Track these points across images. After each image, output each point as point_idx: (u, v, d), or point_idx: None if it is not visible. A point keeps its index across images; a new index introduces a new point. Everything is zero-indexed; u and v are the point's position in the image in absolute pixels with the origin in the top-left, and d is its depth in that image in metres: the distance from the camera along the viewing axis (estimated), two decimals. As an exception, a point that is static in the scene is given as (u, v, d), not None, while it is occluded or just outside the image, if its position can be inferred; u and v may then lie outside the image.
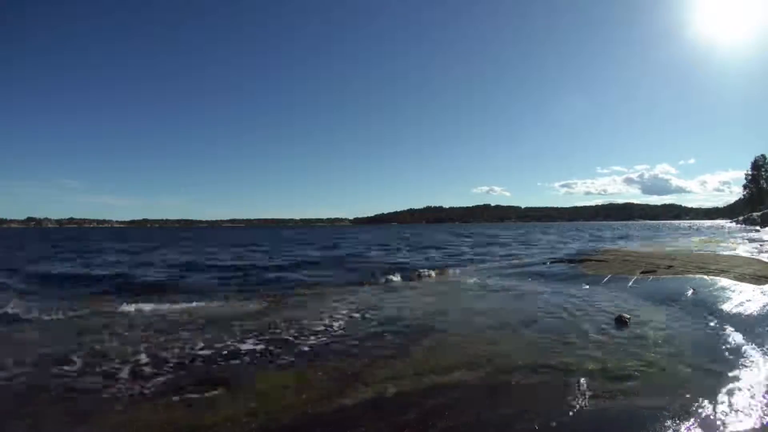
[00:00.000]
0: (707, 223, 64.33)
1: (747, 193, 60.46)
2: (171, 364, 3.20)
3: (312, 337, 3.88)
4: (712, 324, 3.93)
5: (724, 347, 3.29)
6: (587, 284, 6.38)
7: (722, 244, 13.21)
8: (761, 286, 5.18)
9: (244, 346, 3.62)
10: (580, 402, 2.42)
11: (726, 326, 3.81)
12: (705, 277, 5.93)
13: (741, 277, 5.72)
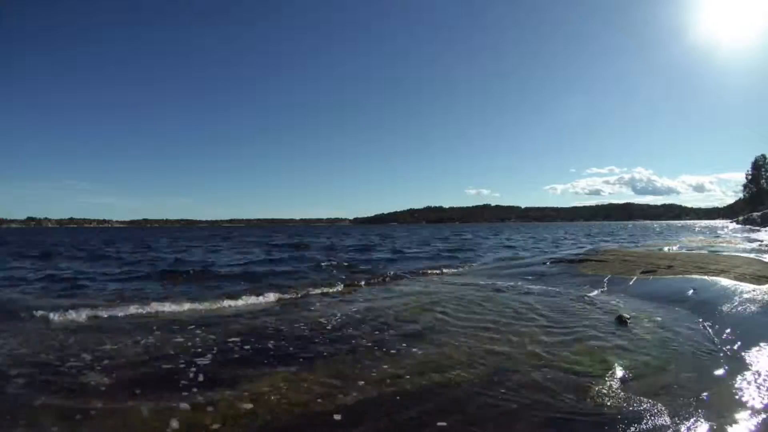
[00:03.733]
0: (708, 223, 64.34)
1: (747, 193, 60.51)
2: (170, 363, 3.20)
3: (313, 336, 3.89)
4: (712, 324, 3.93)
5: (724, 348, 3.29)
6: (587, 284, 6.38)
7: (722, 244, 13.21)
8: (761, 287, 5.18)
9: (245, 345, 3.63)
10: (579, 402, 2.42)
11: (726, 327, 3.81)
12: (705, 277, 5.93)
13: (741, 277, 5.72)
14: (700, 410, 2.28)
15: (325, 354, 3.40)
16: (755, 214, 40.31)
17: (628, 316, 4.14)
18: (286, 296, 6.20)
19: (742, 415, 2.23)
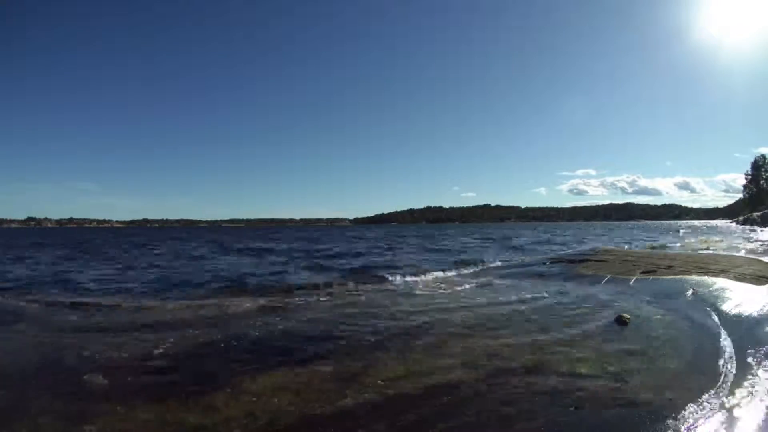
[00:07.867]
0: (708, 223, 64.32)
1: (747, 193, 60.33)
2: (170, 364, 3.20)
3: (312, 336, 3.88)
4: (712, 324, 3.93)
5: (723, 348, 3.29)
6: (587, 284, 6.37)
7: (722, 244, 13.22)
8: (761, 287, 5.18)
9: (244, 345, 3.63)
10: (579, 404, 2.42)
11: (726, 327, 3.81)
12: (705, 277, 5.93)
13: (741, 278, 5.72)
14: (702, 410, 2.27)
15: (325, 355, 3.39)
16: (755, 214, 40.30)
17: (628, 317, 4.14)
18: (293, 296, 6.20)
19: (745, 414, 2.22)
